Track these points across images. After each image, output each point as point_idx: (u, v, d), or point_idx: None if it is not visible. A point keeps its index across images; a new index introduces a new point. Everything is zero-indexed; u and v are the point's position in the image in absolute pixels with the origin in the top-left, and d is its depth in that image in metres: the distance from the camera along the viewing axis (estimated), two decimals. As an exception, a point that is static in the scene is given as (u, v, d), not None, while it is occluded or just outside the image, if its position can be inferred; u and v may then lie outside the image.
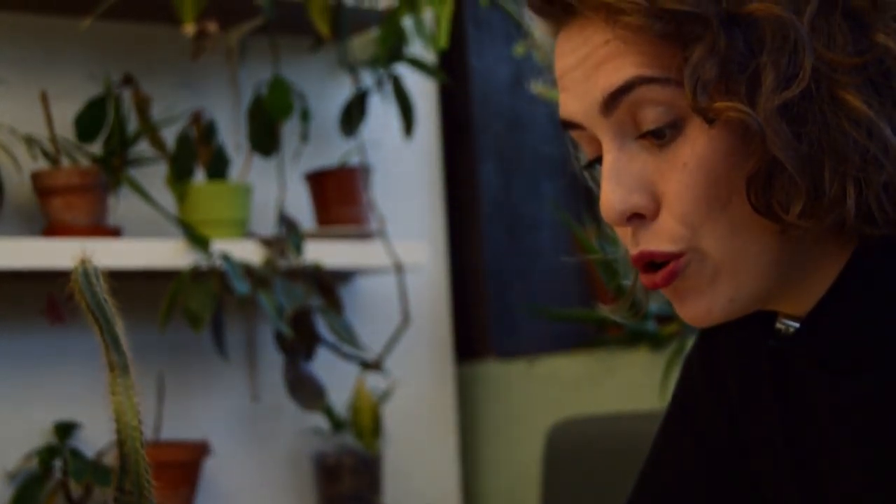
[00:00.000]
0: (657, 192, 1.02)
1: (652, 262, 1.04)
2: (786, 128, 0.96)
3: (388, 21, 2.49)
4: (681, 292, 1.04)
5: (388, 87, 2.58)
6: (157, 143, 2.36)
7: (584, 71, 1.03)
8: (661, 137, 1.01)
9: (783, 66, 0.97)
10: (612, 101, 1.01)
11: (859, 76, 0.98)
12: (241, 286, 2.29)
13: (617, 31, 1.00)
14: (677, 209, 1.01)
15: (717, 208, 1.00)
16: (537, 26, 1.09)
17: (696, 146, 1.00)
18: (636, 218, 1.03)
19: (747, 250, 1.01)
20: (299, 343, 2.40)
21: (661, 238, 1.02)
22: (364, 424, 2.50)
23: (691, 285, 1.03)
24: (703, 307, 1.04)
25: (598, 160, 1.07)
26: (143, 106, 2.36)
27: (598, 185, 1.07)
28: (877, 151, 0.97)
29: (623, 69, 1.00)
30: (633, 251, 1.05)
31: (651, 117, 1.01)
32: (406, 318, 2.57)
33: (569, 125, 1.06)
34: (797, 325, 1.08)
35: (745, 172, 0.99)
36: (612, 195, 1.02)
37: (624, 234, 1.06)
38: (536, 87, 2.60)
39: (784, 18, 0.97)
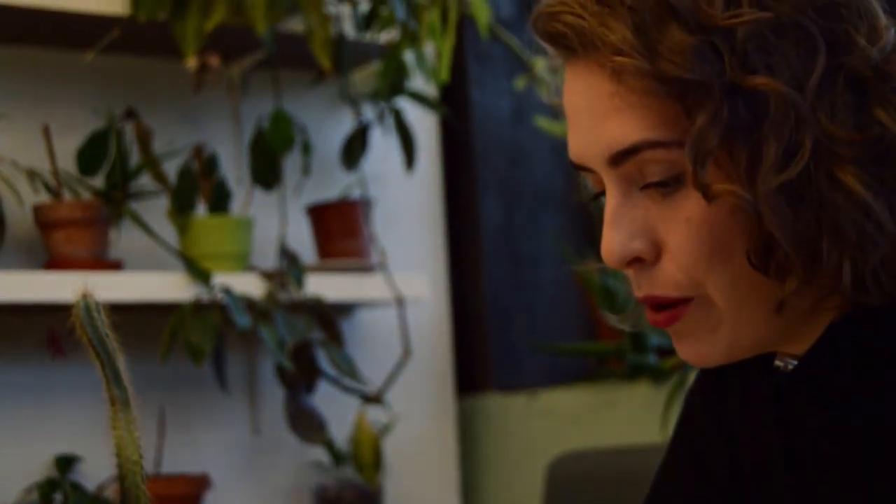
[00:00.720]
0: (658, 238, 1.03)
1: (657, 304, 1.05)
2: (784, 206, 0.97)
3: (390, 55, 2.49)
4: (681, 335, 1.06)
5: (390, 121, 2.58)
6: (159, 176, 2.37)
7: (591, 119, 1.03)
8: (664, 187, 1.02)
9: (785, 141, 0.97)
10: (618, 159, 1.02)
11: (857, 152, 0.98)
12: (243, 319, 2.29)
13: (621, 88, 1.00)
14: (680, 260, 1.02)
15: (719, 261, 1.01)
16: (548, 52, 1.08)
17: (700, 203, 1.00)
18: (636, 262, 1.04)
19: (749, 301, 1.02)
20: (300, 376, 2.40)
21: (665, 284, 1.03)
22: (365, 458, 2.49)
23: (692, 329, 1.05)
24: (702, 351, 1.06)
25: (604, 193, 1.07)
26: (144, 139, 2.37)
27: (602, 217, 1.08)
28: (873, 230, 0.97)
29: (630, 131, 1.01)
30: (639, 294, 1.05)
31: (656, 172, 1.01)
32: (407, 352, 2.57)
33: (577, 166, 1.07)
34: (795, 362, 1.08)
35: (745, 236, 1.00)
36: (613, 240, 1.03)
37: (627, 273, 1.07)
38: (539, 120, 2.60)
39: (788, 95, 0.97)
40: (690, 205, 1.01)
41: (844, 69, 0.99)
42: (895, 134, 0.99)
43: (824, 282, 0.99)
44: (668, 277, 1.03)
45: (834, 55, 0.98)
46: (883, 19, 1.01)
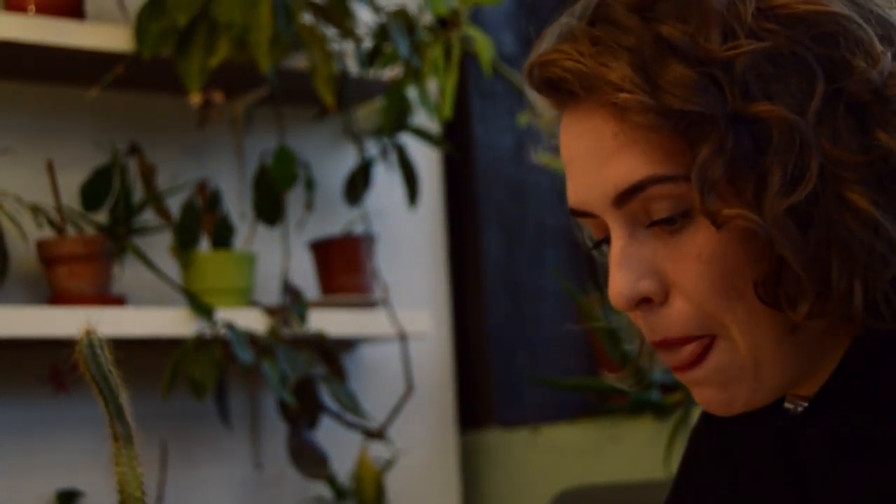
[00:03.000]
0: (667, 278, 1.02)
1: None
2: (793, 228, 0.97)
3: (393, 91, 2.50)
4: (702, 383, 1.04)
5: (393, 157, 2.59)
6: (162, 211, 2.38)
7: (593, 162, 1.02)
8: (671, 224, 1.01)
9: (790, 166, 0.97)
10: (625, 198, 1.01)
11: (863, 173, 0.98)
12: (245, 355, 2.29)
13: (625, 126, 1.00)
14: (696, 298, 1.01)
15: (734, 297, 1.00)
16: (539, 103, 1.09)
17: (709, 238, 1.00)
18: (644, 303, 1.03)
19: (767, 339, 1.01)
20: (302, 412, 2.40)
21: (681, 324, 1.02)
22: (367, 494, 2.49)
23: (715, 377, 1.03)
24: (725, 399, 1.04)
25: (606, 240, 1.06)
26: (148, 175, 2.38)
27: (607, 262, 1.07)
28: (883, 249, 0.97)
29: (635, 168, 1.00)
30: (653, 339, 1.04)
31: (663, 208, 1.01)
32: (409, 387, 2.57)
33: (578, 213, 1.06)
34: (806, 404, 1.08)
35: (756, 267, 0.99)
36: (621, 282, 1.02)
37: (636, 318, 1.06)
38: (540, 157, 2.61)
39: (790, 120, 0.97)
40: (699, 240, 1.00)
41: (844, 95, 0.99)
42: None
43: (835, 307, 0.98)
44: (682, 316, 1.02)
45: (833, 82, 0.99)
46: (878, 45, 1.01)
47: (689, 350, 1.03)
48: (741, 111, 0.97)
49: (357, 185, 2.57)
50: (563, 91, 1.03)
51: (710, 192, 0.97)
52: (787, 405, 1.09)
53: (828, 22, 1.00)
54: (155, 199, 2.37)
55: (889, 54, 1.01)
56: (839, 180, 0.97)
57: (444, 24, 2.51)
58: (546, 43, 1.05)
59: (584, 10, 1.04)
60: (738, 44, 0.98)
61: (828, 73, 0.99)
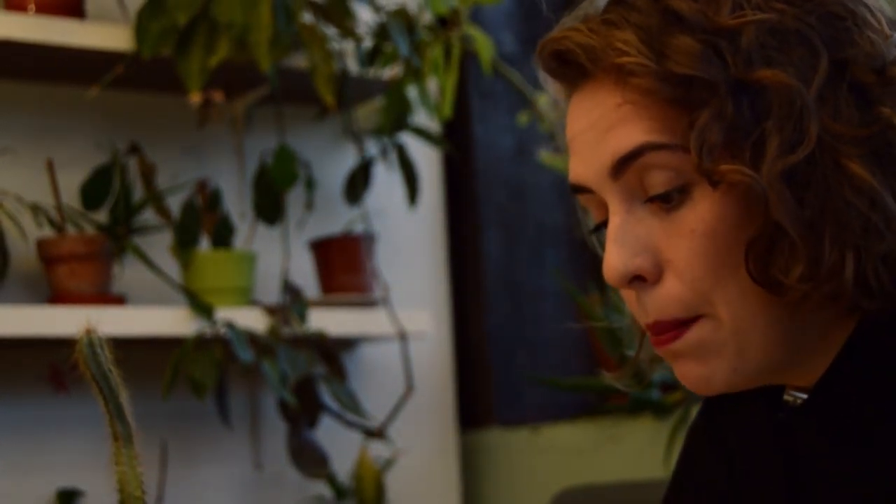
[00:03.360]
0: (661, 256, 1.03)
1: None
2: (789, 193, 0.97)
3: (393, 91, 2.50)
4: (683, 356, 1.04)
5: (393, 156, 2.59)
6: (162, 211, 2.38)
7: (594, 135, 1.04)
8: (668, 202, 1.02)
9: (788, 132, 0.98)
10: (621, 166, 1.02)
11: (863, 147, 0.99)
12: (245, 354, 2.29)
13: (627, 94, 1.01)
14: (687, 275, 1.02)
15: (726, 275, 1.01)
16: (551, 88, 1.10)
17: (704, 212, 1.01)
18: (637, 281, 1.04)
19: (756, 321, 1.02)
20: (302, 411, 2.40)
21: (671, 305, 1.03)
22: (367, 493, 2.49)
23: (696, 350, 1.04)
24: (704, 374, 1.04)
25: (605, 224, 1.07)
26: (148, 174, 2.38)
27: (604, 249, 1.08)
28: (878, 221, 0.98)
29: (633, 135, 1.01)
30: (646, 320, 1.05)
31: (659, 181, 1.02)
32: (409, 387, 2.57)
33: (578, 189, 1.07)
34: (805, 396, 1.08)
35: (750, 239, 1.00)
36: (616, 257, 1.03)
37: (630, 299, 1.07)
38: (542, 156, 2.61)
39: (792, 86, 0.98)
40: (695, 217, 1.01)
41: (847, 74, 1.00)
42: None
43: (826, 279, 0.98)
44: (674, 296, 1.02)
45: (836, 60, 1.00)
46: (886, 28, 1.03)
47: (670, 334, 1.03)
48: (743, 78, 0.99)
49: (357, 184, 2.57)
50: (571, 66, 1.05)
51: (707, 155, 0.98)
52: (787, 398, 1.10)
53: (835, 2, 1.02)
54: (155, 198, 2.37)
55: (894, 36, 1.02)
56: (838, 151, 0.98)
57: (445, 23, 2.51)
58: (564, 25, 1.07)
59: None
60: (743, 13, 1.00)
61: (832, 51, 1.00)
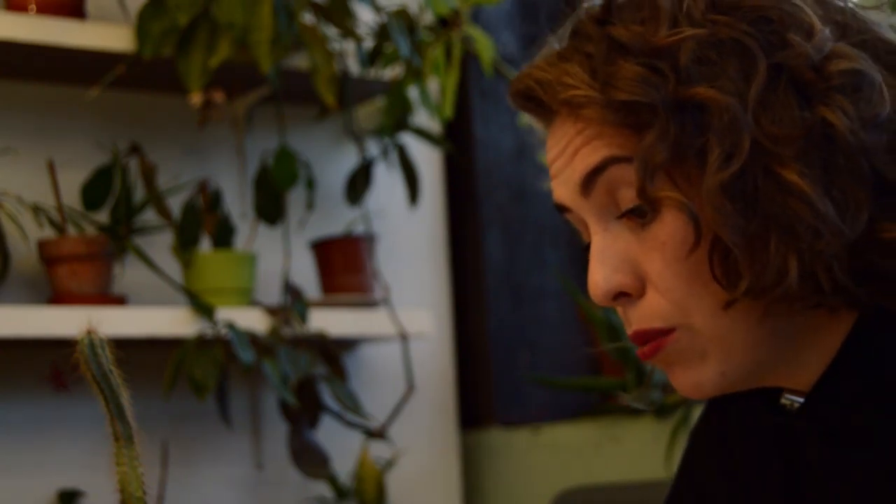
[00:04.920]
0: (641, 271, 1.05)
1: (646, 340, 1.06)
2: (729, 206, 0.99)
3: (394, 91, 2.50)
4: (670, 364, 1.07)
5: (394, 157, 2.59)
6: (163, 211, 2.38)
7: (565, 159, 1.07)
8: (642, 217, 1.04)
9: (726, 145, 1.00)
10: (588, 181, 1.06)
11: (801, 148, 1.00)
12: (246, 355, 2.29)
13: (581, 123, 1.05)
14: (661, 286, 1.04)
15: (699, 284, 1.03)
16: (532, 122, 1.14)
17: (669, 226, 1.03)
18: (622, 297, 1.06)
19: (736, 326, 1.03)
20: (303, 411, 2.40)
21: (651, 316, 1.05)
22: (368, 493, 2.49)
23: (680, 359, 1.06)
24: (692, 380, 1.06)
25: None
26: (149, 175, 2.38)
27: None
28: (816, 223, 0.99)
29: (596, 152, 1.05)
30: (629, 331, 1.07)
31: (628, 196, 1.05)
32: (410, 387, 2.57)
33: (561, 209, 1.11)
34: (801, 399, 1.08)
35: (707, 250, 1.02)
36: (597, 275, 1.06)
37: (620, 312, 1.09)
38: (542, 157, 2.61)
39: (726, 102, 1.00)
40: (664, 230, 1.03)
41: (784, 73, 1.02)
42: (837, 128, 1.00)
43: (771, 282, 0.99)
44: (654, 308, 1.04)
45: (773, 64, 1.02)
46: (817, 24, 1.03)
47: (650, 346, 1.06)
48: (681, 96, 1.01)
49: (358, 184, 2.57)
50: (533, 101, 1.09)
51: (650, 177, 1.01)
52: (784, 401, 1.10)
53: (768, 6, 1.03)
54: (156, 198, 2.37)
55: (827, 31, 1.03)
56: (774, 157, 1.00)
57: (445, 23, 2.52)
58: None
59: (564, 30, 1.10)
60: (680, 31, 1.03)
61: (767, 53, 1.02)
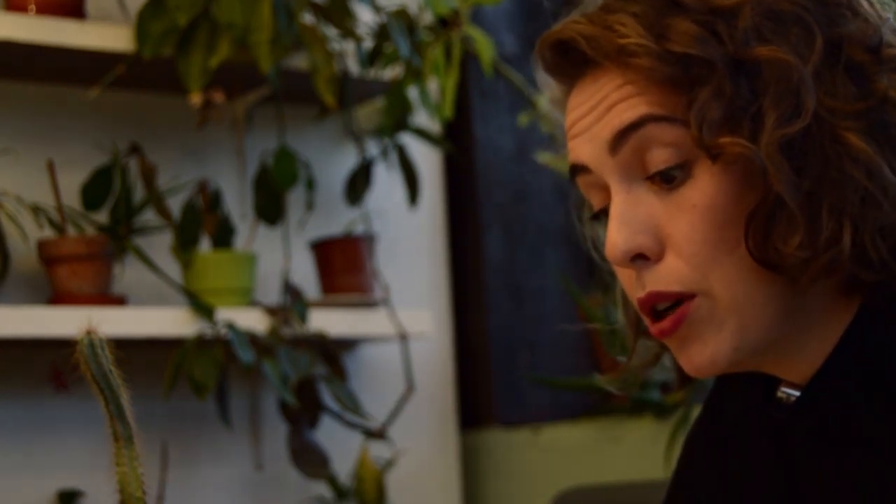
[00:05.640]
0: (663, 234, 1.04)
1: (657, 310, 1.05)
2: (787, 164, 0.99)
3: (394, 91, 2.50)
4: (686, 339, 1.05)
5: (393, 157, 2.59)
6: (163, 211, 2.38)
7: (595, 115, 1.05)
8: (669, 181, 1.03)
9: (785, 106, 1.00)
10: (621, 138, 1.04)
11: (860, 121, 1.00)
12: (246, 355, 2.29)
13: (628, 74, 1.03)
14: (686, 250, 1.02)
15: (724, 251, 1.02)
16: (550, 88, 1.11)
17: (704, 187, 1.02)
18: (640, 259, 1.04)
19: (754, 298, 1.02)
20: (303, 412, 2.40)
21: (668, 279, 1.04)
22: (368, 493, 2.49)
23: (697, 332, 1.04)
24: (707, 355, 1.05)
25: (605, 211, 1.08)
26: (149, 175, 2.37)
27: (603, 237, 1.09)
28: (875, 191, 0.99)
29: (634, 108, 1.03)
30: (640, 294, 1.05)
31: (659, 158, 1.03)
32: (410, 387, 2.57)
33: (578, 170, 1.08)
34: (797, 393, 1.08)
35: (749, 212, 1.01)
36: (618, 235, 1.04)
37: (628, 278, 1.07)
38: (542, 157, 2.61)
39: (788, 61, 1.00)
40: (696, 192, 1.02)
41: (842, 54, 1.02)
42: (895, 104, 1.01)
43: (824, 248, 0.99)
44: (672, 272, 1.03)
45: (831, 41, 1.02)
46: (879, 10, 1.05)
47: (670, 319, 1.04)
48: (740, 54, 1.01)
49: (358, 185, 2.57)
50: (572, 56, 1.06)
51: (707, 129, 1.00)
52: (780, 395, 1.10)
53: None
54: (156, 199, 2.37)
55: (890, 19, 1.04)
56: (835, 124, 1.00)
57: (445, 23, 2.52)
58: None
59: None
60: None
61: (826, 31, 1.02)
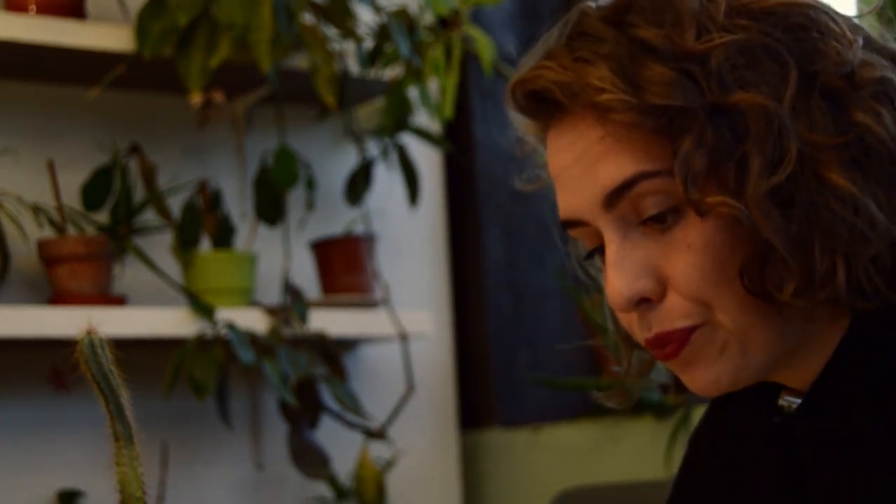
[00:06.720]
0: (662, 275, 1.04)
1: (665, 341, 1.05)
2: (775, 211, 0.99)
3: (394, 91, 2.50)
4: (690, 363, 1.05)
5: (394, 157, 2.59)
6: (163, 211, 2.38)
7: (582, 167, 1.04)
8: (662, 222, 1.03)
9: (769, 151, 0.99)
10: (615, 197, 1.03)
11: (842, 154, 1.00)
12: (246, 355, 2.29)
13: (608, 127, 1.02)
14: (686, 288, 1.03)
15: (724, 285, 1.02)
16: (523, 127, 1.10)
17: (697, 228, 1.02)
18: (643, 303, 1.04)
19: (756, 323, 1.03)
20: (303, 412, 2.40)
21: (673, 317, 1.04)
22: (368, 493, 2.49)
23: (701, 356, 1.04)
24: (711, 377, 1.05)
25: (598, 249, 1.08)
26: (149, 175, 2.38)
27: (598, 275, 1.10)
28: (863, 227, 0.99)
29: (623, 166, 1.02)
30: (648, 335, 1.06)
31: (652, 205, 1.03)
32: (410, 387, 2.57)
33: (570, 224, 1.08)
34: (798, 401, 1.08)
35: (743, 252, 1.01)
36: (619, 282, 1.04)
37: (630, 320, 1.07)
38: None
39: (767, 106, 0.99)
40: (689, 233, 1.02)
41: (818, 81, 1.01)
42: (876, 133, 1.00)
43: (820, 286, 0.99)
44: (677, 309, 1.03)
45: (805, 69, 1.01)
46: (848, 33, 1.03)
47: (673, 346, 1.04)
48: (719, 102, 1.00)
49: (358, 184, 2.57)
50: (547, 104, 1.06)
51: (693, 182, 0.99)
52: (781, 403, 1.10)
53: (797, 13, 1.03)
54: (156, 198, 2.37)
55: (860, 41, 1.03)
56: (817, 162, 0.99)
57: (445, 24, 2.52)
58: (526, 65, 1.07)
59: (561, 30, 1.06)
60: (711, 37, 1.01)
61: (799, 61, 1.01)
